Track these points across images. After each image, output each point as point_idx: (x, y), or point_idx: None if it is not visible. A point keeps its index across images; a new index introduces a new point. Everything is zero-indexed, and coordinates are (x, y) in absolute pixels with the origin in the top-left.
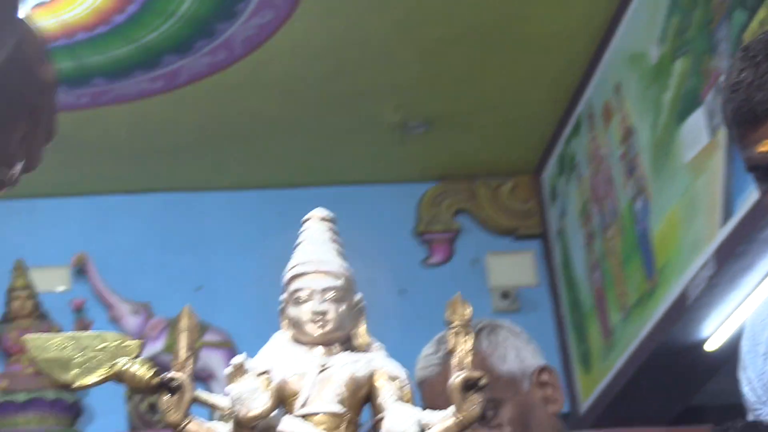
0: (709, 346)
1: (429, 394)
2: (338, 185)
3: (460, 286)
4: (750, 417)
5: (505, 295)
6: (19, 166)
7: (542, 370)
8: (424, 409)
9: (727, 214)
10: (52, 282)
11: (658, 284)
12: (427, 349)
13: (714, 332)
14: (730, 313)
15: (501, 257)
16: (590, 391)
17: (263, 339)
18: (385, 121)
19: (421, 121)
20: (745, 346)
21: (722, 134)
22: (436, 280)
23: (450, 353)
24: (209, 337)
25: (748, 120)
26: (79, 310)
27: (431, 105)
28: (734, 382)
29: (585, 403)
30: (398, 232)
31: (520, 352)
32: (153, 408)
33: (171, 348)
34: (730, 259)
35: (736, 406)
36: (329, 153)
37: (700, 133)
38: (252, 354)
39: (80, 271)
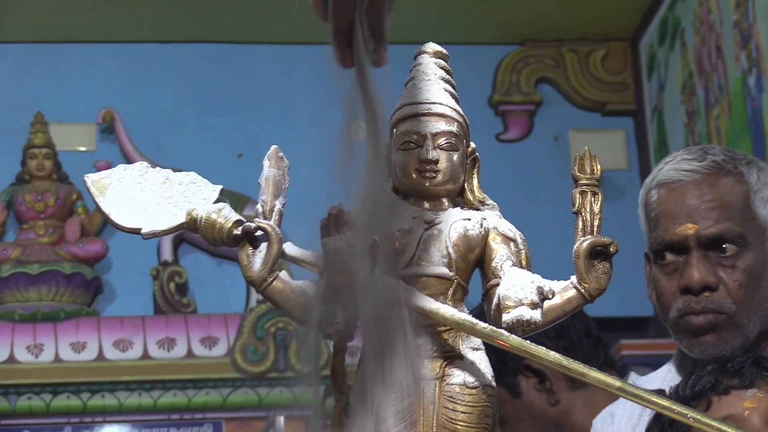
0: None
1: (671, 197)
2: (407, 43)
3: (537, 167)
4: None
5: None
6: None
7: None
8: (651, 211)
9: None
10: (74, 140)
11: None
12: (689, 154)
13: None
14: None
15: (587, 135)
16: None
17: (313, 215)
18: None
19: None
20: None
21: None
22: (511, 158)
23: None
24: (249, 211)
25: None
26: None
27: None
28: None
29: None
30: (471, 102)
31: None
32: (181, 289)
33: None
34: None
35: None
36: (398, 7)
37: None
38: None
39: (107, 129)
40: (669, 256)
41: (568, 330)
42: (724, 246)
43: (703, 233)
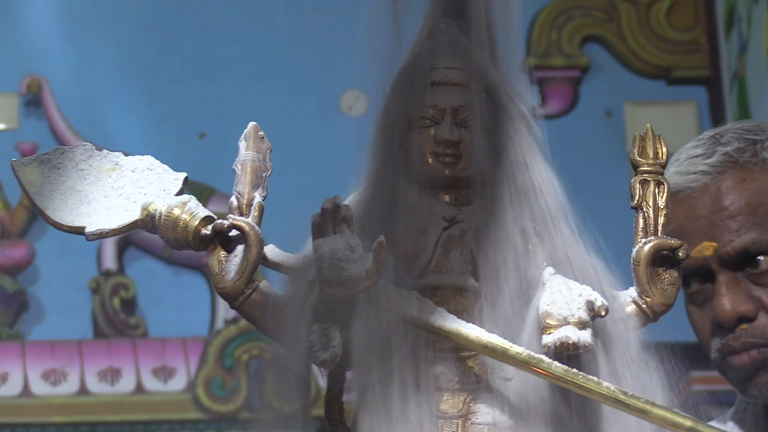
0: None
1: (679, 210)
2: None
3: (583, 150)
4: None
5: None
6: None
7: None
8: (672, 234)
9: None
10: None
11: None
12: (697, 146)
13: None
14: None
15: (648, 109)
16: None
17: (302, 210)
18: None
19: None
20: None
21: None
22: (550, 138)
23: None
24: (215, 206)
25: None
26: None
27: None
28: None
29: None
30: None
31: None
32: (128, 306)
33: None
34: None
35: None
36: None
37: None
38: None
39: (33, 101)
40: (694, 284)
41: None
42: (758, 258)
43: (724, 251)
